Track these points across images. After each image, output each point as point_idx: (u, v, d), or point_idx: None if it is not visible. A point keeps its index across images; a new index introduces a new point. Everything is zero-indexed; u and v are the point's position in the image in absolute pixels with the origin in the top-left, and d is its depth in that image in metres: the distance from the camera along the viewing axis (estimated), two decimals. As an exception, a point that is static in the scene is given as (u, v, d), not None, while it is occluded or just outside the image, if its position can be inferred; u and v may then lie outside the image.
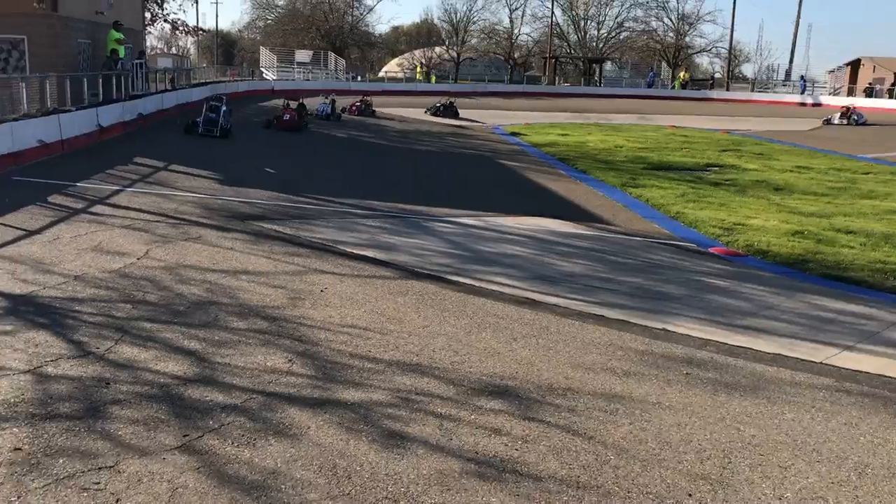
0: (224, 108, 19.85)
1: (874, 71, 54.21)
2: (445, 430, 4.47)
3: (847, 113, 33.88)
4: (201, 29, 49.71)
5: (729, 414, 4.98)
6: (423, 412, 4.71)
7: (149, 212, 10.25)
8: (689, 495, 3.94)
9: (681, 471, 4.18)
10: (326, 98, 27.49)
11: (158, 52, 77.64)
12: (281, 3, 64.13)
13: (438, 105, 31.43)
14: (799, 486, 4.09)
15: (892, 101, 45.96)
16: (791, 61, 62.92)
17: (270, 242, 9.01)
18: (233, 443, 4.20)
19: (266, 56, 50.05)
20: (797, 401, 5.29)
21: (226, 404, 4.67)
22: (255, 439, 4.26)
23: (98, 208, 10.33)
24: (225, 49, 79.65)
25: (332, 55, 52.04)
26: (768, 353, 6.30)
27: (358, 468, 4.01)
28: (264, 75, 46.29)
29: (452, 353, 5.80)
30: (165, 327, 5.97)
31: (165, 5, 36.70)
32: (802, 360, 6.19)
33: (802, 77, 57.42)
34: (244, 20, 76.43)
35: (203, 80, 33.93)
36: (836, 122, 33.56)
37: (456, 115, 30.57)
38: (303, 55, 50.43)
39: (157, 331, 5.88)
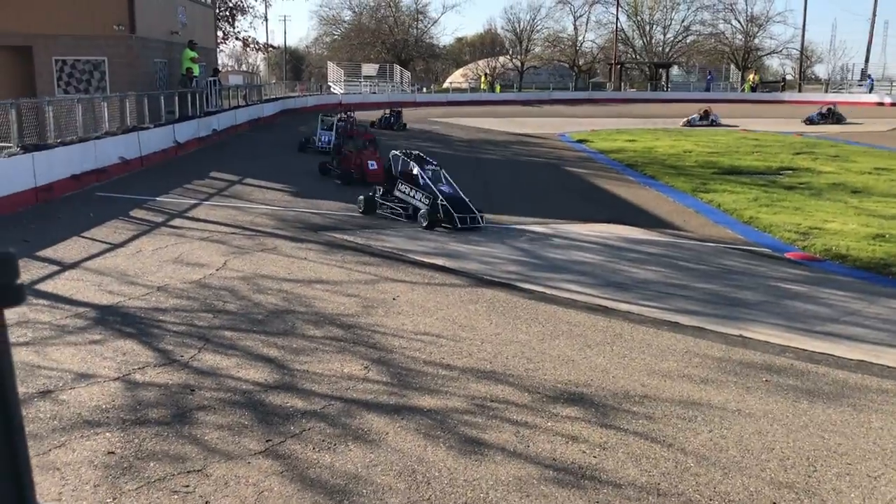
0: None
1: (957, 67, 51.94)
2: (522, 437, 4.48)
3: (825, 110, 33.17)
4: (271, 46, 51.02)
5: (812, 421, 4.86)
6: (499, 419, 4.73)
7: (225, 224, 10.56)
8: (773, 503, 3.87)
9: (764, 479, 4.10)
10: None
11: (229, 69, 79.85)
12: (347, 18, 65.34)
13: (386, 114, 28.25)
14: (891, 497, 3.97)
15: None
16: (867, 60, 60.82)
17: (342, 252, 9.18)
18: (314, 448, 4.30)
19: (333, 70, 50.97)
20: (885, 409, 5.13)
21: (306, 410, 4.79)
22: (335, 444, 4.35)
23: (177, 221, 10.69)
24: (293, 65, 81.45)
25: (397, 68, 52.66)
26: (852, 360, 6.12)
27: (437, 474, 4.06)
28: (332, 89, 47.12)
29: (526, 360, 5.81)
30: (245, 335, 6.15)
31: (236, 23, 37.81)
32: (889, 367, 5.99)
33: (870, 76, 55.59)
34: (311, 36, 78.08)
35: (273, 96, 34.77)
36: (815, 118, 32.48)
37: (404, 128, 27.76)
38: (369, 69, 51.19)
39: (237, 339, 6.06)
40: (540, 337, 6.39)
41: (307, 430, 4.51)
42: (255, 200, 12.56)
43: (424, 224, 10.72)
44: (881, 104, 47.28)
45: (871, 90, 51.16)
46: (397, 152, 12.12)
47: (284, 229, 10.37)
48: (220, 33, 34.84)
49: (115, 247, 9.11)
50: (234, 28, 37.91)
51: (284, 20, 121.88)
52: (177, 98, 19.54)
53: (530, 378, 5.44)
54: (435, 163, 11.85)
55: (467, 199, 11.04)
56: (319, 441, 4.38)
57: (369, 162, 14.47)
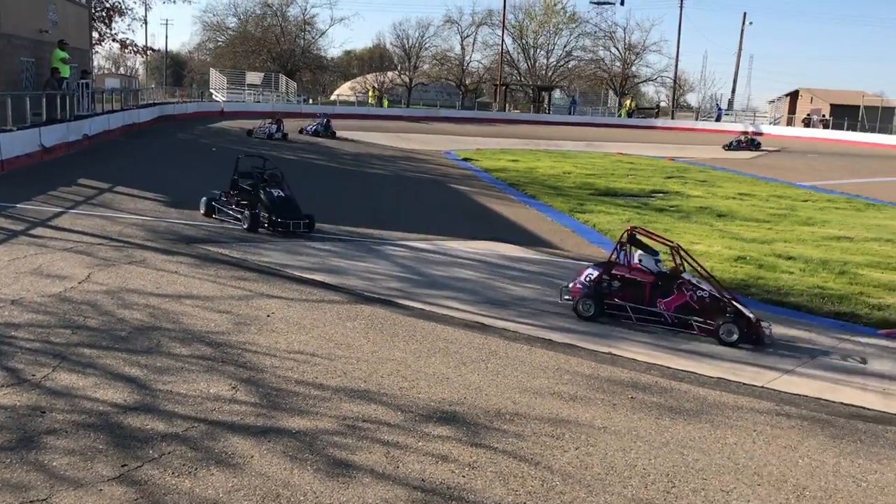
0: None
1: (812, 102, 56.10)
2: (392, 458, 4.43)
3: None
4: (150, 49, 49.17)
5: (673, 438, 5.04)
6: (370, 440, 4.66)
7: (92, 234, 10.02)
8: (634, 520, 3.97)
9: (626, 496, 4.20)
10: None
11: (106, 71, 76.50)
12: (232, 25, 63.96)
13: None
14: (741, 510, 4.15)
15: (828, 131, 47.56)
16: (733, 91, 64.83)
17: (216, 266, 8.88)
18: (173, 473, 4.10)
19: (216, 78, 49.71)
20: (739, 425, 5.39)
21: (166, 433, 4.56)
22: (196, 469, 4.16)
23: (38, 230, 10.07)
24: (174, 70, 78.91)
25: (283, 78, 51.91)
26: (712, 378, 6.41)
27: (301, 498, 3.94)
28: (214, 97, 45.91)
29: (401, 378, 5.77)
30: (106, 353, 5.82)
31: (114, 25, 36.24)
32: (745, 384, 6.31)
33: (719, 106, 59.76)
34: (194, 41, 75.78)
35: (151, 101, 33.51)
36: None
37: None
38: (253, 77, 50.25)
39: (96, 357, 5.73)
40: (417, 355, 6.36)
41: (167, 454, 4.29)
42: (126, 210, 12.00)
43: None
44: (745, 133, 50.33)
45: (718, 119, 54.98)
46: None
47: (155, 241, 9.94)
48: (95, 34, 33.27)
49: (-35, 256, 8.47)
50: (110, 29, 36.28)
51: (166, 24, 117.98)
52: (44, 100, 18.49)
53: (404, 397, 5.40)
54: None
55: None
56: (179, 465, 4.18)
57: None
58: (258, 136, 26.80)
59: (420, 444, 4.65)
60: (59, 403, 4.88)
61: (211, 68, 53.97)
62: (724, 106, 60.63)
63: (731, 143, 35.96)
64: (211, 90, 48.54)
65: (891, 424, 5.67)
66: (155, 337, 6.28)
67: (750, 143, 36.27)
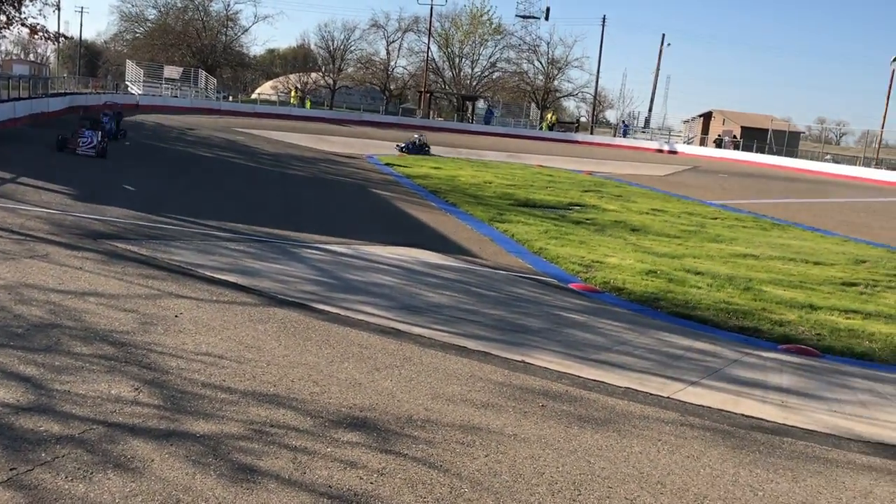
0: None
1: (724, 123, 58.32)
2: (299, 464, 4.34)
3: None
4: (63, 36, 47.20)
5: (581, 447, 5.11)
6: (278, 445, 4.56)
7: (-10, 226, 9.54)
8: (540, 527, 4.00)
9: (533, 503, 4.23)
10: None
11: (14, 57, 73.21)
12: (151, 17, 62.21)
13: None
14: (643, 517, 4.24)
15: (738, 152, 49.50)
16: (650, 110, 66.87)
17: (124, 263, 8.57)
18: (66, 477, 3.91)
19: (132, 70, 48.19)
20: (645, 434, 5.50)
21: (62, 435, 4.35)
22: (91, 473, 3.98)
23: (-69, 220, 9.52)
24: (89, 60, 76.13)
25: (202, 73, 50.75)
26: (620, 387, 6.53)
27: (203, 503, 3.82)
28: (129, 89, 44.46)
29: (312, 383, 5.67)
30: (-1, 351, 5.52)
31: (24, 9, 34.62)
32: (652, 394, 6.46)
33: (625, 122, 61.90)
34: (111, 31, 73.05)
35: (63, 91, 32.23)
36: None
37: None
38: (172, 71, 48.93)
39: (-12, 355, 5.43)
40: (329, 359, 6.27)
41: (60, 458, 4.09)
42: (30, 202, 11.47)
43: None
44: (660, 151, 51.91)
45: (625, 134, 56.88)
46: None
47: (60, 235, 9.53)
48: (3, 17, 31.75)
49: None
50: (20, 13, 34.61)
51: (81, 11, 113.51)
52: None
53: (315, 402, 5.31)
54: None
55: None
56: (73, 469, 3.99)
57: None
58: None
59: (329, 449, 4.58)
60: (-56, 403, 4.60)
61: (128, 60, 52.31)
62: (629, 123, 62.73)
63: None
64: (127, 82, 47.00)
65: (787, 436, 5.90)
66: (54, 335, 6.00)
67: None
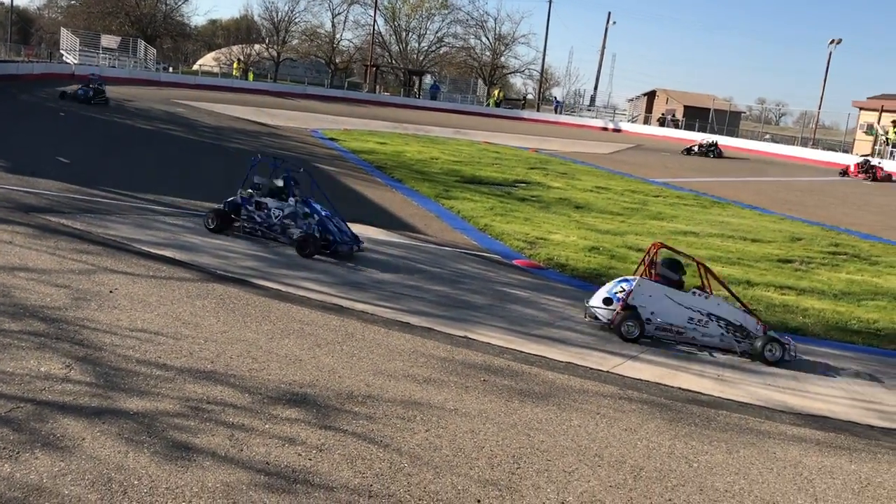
0: None
1: (667, 102, 59.11)
2: (236, 441, 4.28)
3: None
4: (-8, 1, 45.34)
5: (521, 420, 5.15)
6: (214, 422, 4.48)
7: (-88, 198, 9.14)
8: (478, 501, 4.02)
9: (472, 477, 4.25)
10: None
11: (-61, 22, 69.99)
12: (87, -17, 59.89)
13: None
14: (581, 490, 4.30)
15: (680, 131, 50.26)
16: (596, 88, 67.40)
17: (57, 238, 8.30)
18: (-9, 457, 3.78)
19: (67, 38, 46.48)
20: (584, 408, 5.57)
21: (-13, 414, 4.20)
22: (18, 452, 3.86)
23: None
24: (21, 27, 73.12)
25: (141, 43, 49.30)
26: (561, 362, 6.60)
27: (136, 482, 3.73)
28: (64, 58, 42.95)
29: (251, 360, 5.59)
30: (-80, 328, 5.30)
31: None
32: (592, 368, 6.54)
33: (556, 99, 62.57)
34: (44, -3, 70.50)
35: (-9, 58, 30.97)
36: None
37: None
38: (109, 41, 47.38)
39: None
40: (269, 336, 6.19)
41: (-15, 438, 3.95)
42: (-44, 173, 11.03)
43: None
44: (605, 129, 52.43)
45: (557, 110, 57.46)
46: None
47: (-12, 208, 9.19)
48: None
49: None
50: (-54, -24, 33.13)
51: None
52: None
53: (253, 379, 5.24)
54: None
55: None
56: (0, 449, 3.86)
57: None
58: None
59: (267, 426, 4.52)
60: None
61: (62, 28, 50.39)
62: (561, 101, 63.19)
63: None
64: (61, 51, 45.37)
65: (722, 409, 6.04)
66: (-20, 311, 5.78)
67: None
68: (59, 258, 7.53)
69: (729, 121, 52.56)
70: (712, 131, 48.99)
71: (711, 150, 36.66)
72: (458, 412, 5.13)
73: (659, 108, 58.46)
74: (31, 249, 7.68)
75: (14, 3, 66.11)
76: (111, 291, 6.70)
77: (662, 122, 53.77)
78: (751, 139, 49.66)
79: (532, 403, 5.50)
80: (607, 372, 6.54)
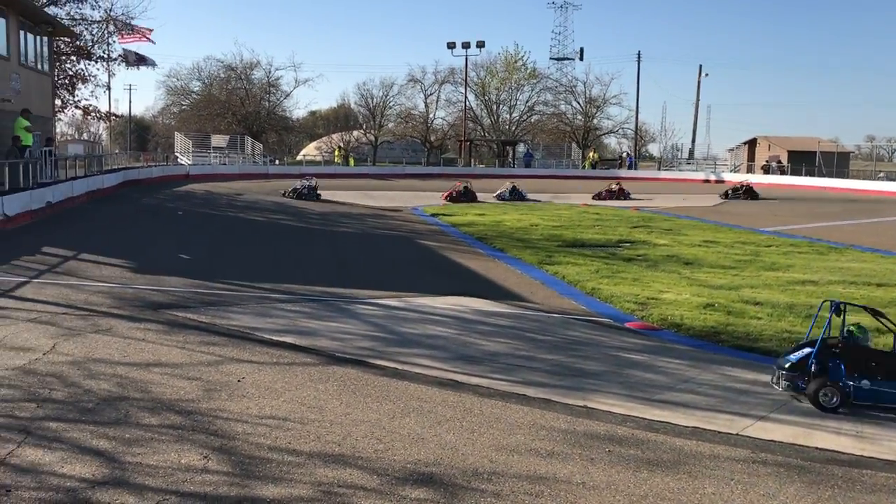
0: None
1: (769, 149, 57.49)
2: (369, 523, 4.34)
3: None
4: (114, 114, 49.11)
5: (652, 491, 5.01)
6: (346, 505, 4.57)
7: (56, 303, 9.86)
8: (617, 578, 3.92)
9: (608, 552, 4.16)
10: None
11: (69, 137, 76.23)
12: (196, 88, 64.16)
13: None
14: (723, 562, 4.12)
15: (786, 177, 48.68)
16: (693, 140, 66.39)
17: (185, 332, 8.76)
18: (144, 549, 3.98)
19: (181, 141, 49.71)
20: (717, 474, 5.38)
21: (137, 507, 4.43)
22: (168, 544, 4.04)
23: (1, 302, 9.87)
24: (138, 134, 78.77)
25: (248, 139, 52.09)
26: (687, 427, 6.41)
27: (278, 569, 3.84)
28: (179, 160, 45.83)
29: (376, 440, 5.69)
30: (72, 426, 5.67)
31: (77, 92, 36.19)
32: (720, 432, 6.32)
33: (629, 155, 61.26)
34: (158, 105, 75.59)
35: (115, 167, 33.35)
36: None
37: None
38: (219, 140, 50.33)
39: (63, 430, 5.58)
40: (391, 415, 6.29)
41: (137, 530, 4.17)
42: (91, 277, 11.84)
43: None
44: (707, 181, 51.35)
45: (630, 166, 56.29)
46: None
47: (122, 308, 9.80)
48: (58, 101, 33.20)
49: (-76, 331, 8.26)
50: (73, 97, 36.21)
51: (130, 89, 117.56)
52: (6, 168, 18.32)
53: (380, 459, 5.32)
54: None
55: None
56: (151, 541, 4.06)
57: None
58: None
59: (397, 507, 4.57)
60: (24, 481, 4.73)
61: (176, 132, 53.97)
62: (630, 156, 62.05)
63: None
64: (176, 154, 48.48)
65: (866, 468, 5.70)
66: (123, 407, 6.14)
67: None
68: (188, 351, 7.93)
69: (837, 162, 50.65)
70: (820, 174, 47.30)
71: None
72: (586, 485, 5.04)
73: (762, 156, 56.88)
74: (162, 345, 8.13)
75: (132, 113, 71.34)
76: (239, 381, 7.00)
77: (767, 170, 52.25)
78: (863, 179, 47.57)
79: (661, 472, 5.35)
80: (737, 434, 6.30)
